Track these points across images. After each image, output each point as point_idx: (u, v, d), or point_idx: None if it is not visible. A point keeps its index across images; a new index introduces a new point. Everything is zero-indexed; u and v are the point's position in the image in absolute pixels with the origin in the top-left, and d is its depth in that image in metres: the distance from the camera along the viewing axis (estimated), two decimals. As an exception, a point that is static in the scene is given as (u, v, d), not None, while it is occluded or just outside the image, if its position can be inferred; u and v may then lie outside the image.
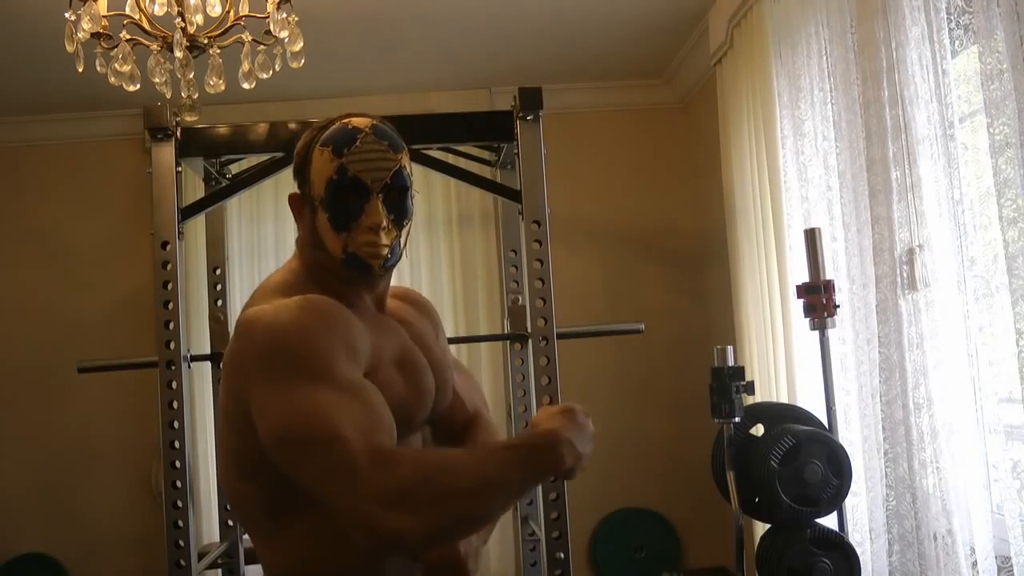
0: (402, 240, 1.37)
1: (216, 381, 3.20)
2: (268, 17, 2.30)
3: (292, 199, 1.40)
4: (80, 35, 2.19)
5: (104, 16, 2.23)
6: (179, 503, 2.60)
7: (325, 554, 1.25)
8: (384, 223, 1.32)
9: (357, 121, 1.36)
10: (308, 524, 1.25)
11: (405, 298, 1.54)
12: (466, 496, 1.14)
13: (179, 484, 2.60)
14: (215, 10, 2.29)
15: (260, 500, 1.27)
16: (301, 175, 1.37)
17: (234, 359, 1.24)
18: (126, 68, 2.26)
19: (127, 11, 2.29)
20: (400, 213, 1.35)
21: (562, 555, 2.63)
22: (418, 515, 1.09)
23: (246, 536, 3.20)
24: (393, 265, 1.36)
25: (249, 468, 1.26)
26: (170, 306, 2.64)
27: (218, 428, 1.32)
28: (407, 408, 1.32)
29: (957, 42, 2.06)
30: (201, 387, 3.76)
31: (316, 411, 1.14)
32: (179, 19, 2.21)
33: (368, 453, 1.11)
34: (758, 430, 2.24)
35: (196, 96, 2.35)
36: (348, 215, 1.32)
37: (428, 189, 4.05)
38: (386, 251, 1.33)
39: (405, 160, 1.37)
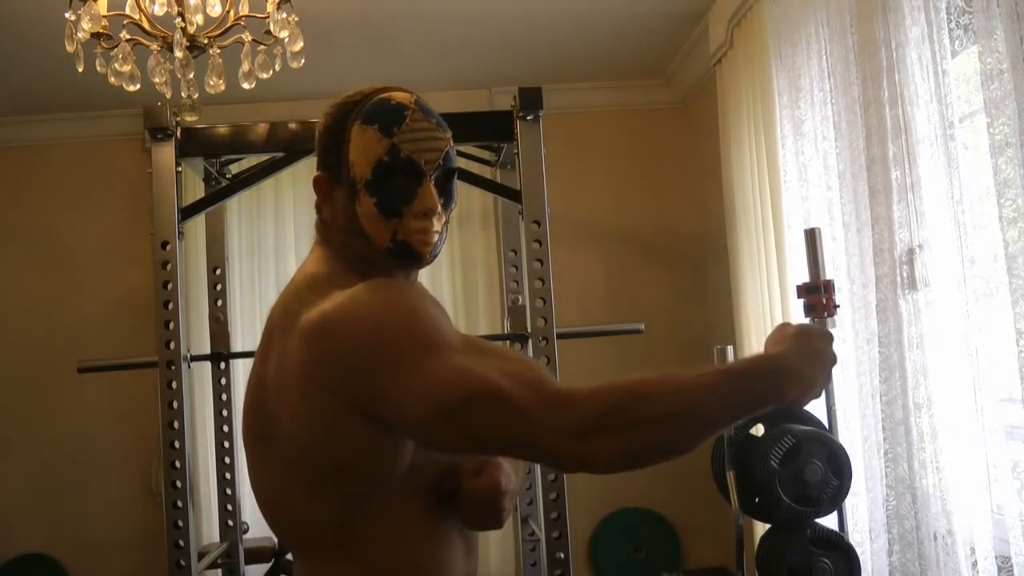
0: (447, 227, 1.27)
1: (216, 381, 3.20)
2: (268, 17, 2.31)
3: (319, 181, 1.25)
4: (80, 35, 2.19)
5: (104, 16, 2.23)
6: (179, 503, 2.60)
7: (398, 560, 1.19)
8: (437, 208, 1.21)
9: (399, 96, 1.24)
10: (381, 530, 1.17)
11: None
12: (660, 425, 1.06)
13: (179, 484, 2.59)
14: (215, 10, 2.29)
15: (330, 510, 1.17)
16: (333, 155, 1.24)
17: (328, 360, 1.11)
18: (126, 68, 2.26)
19: (127, 11, 2.29)
20: (448, 197, 1.25)
21: (562, 555, 2.63)
22: (606, 444, 1.05)
23: (246, 536, 3.22)
24: (438, 254, 1.26)
25: (328, 472, 1.15)
26: (170, 306, 2.64)
27: (275, 441, 1.18)
28: None
29: (957, 42, 2.05)
30: (201, 387, 3.77)
31: (465, 374, 1.07)
32: (179, 19, 2.21)
33: (537, 397, 1.06)
34: (758, 430, 2.24)
35: (196, 96, 2.36)
36: (399, 200, 1.19)
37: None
38: (436, 238, 1.23)
39: (450, 139, 1.26)
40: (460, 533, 1.26)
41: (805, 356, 1.14)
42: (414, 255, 1.22)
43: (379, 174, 1.20)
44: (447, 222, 1.26)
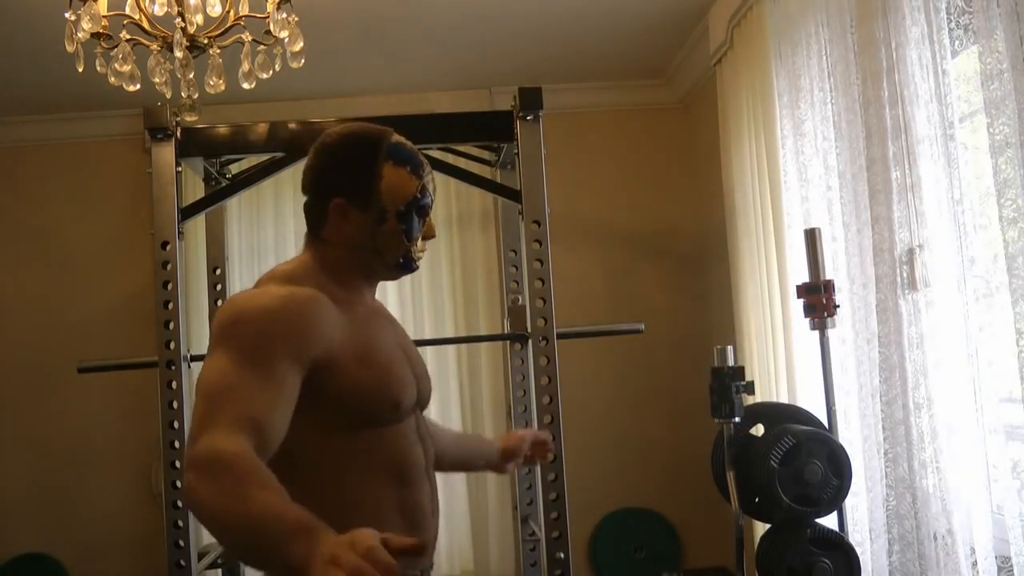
0: None
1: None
2: (268, 17, 2.30)
3: (338, 206, 1.46)
4: (80, 35, 2.19)
5: (104, 16, 2.23)
6: (179, 503, 2.60)
7: (328, 510, 1.24)
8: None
9: (404, 141, 1.52)
10: (308, 484, 1.31)
11: (381, 308, 1.67)
12: (220, 517, 1.10)
13: (179, 484, 2.59)
14: (215, 10, 2.29)
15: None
16: (362, 185, 1.46)
17: (213, 326, 1.37)
18: (126, 68, 2.26)
19: (127, 11, 2.29)
20: None
21: (562, 555, 2.63)
22: (197, 491, 1.13)
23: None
24: None
25: None
26: (170, 306, 2.64)
27: None
28: (389, 391, 1.42)
29: (957, 42, 2.05)
30: (201, 387, 3.76)
31: (228, 379, 1.25)
32: (179, 19, 2.21)
33: (222, 420, 1.20)
34: (758, 430, 2.24)
35: (196, 96, 2.35)
36: (417, 228, 1.50)
37: (428, 189, 4.04)
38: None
39: None
40: (401, 507, 1.41)
41: (343, 566, 0.97)
42: (413, 268, 1.54)
43: (410, 207, 1.48)
44: None
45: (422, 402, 1.56)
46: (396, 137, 1.51)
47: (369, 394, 1.39)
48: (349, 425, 1.39)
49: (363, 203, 1.46)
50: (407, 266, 1.52)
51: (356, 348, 1.40)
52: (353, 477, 1.39)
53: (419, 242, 1.52)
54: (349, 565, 0.95)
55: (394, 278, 1.57)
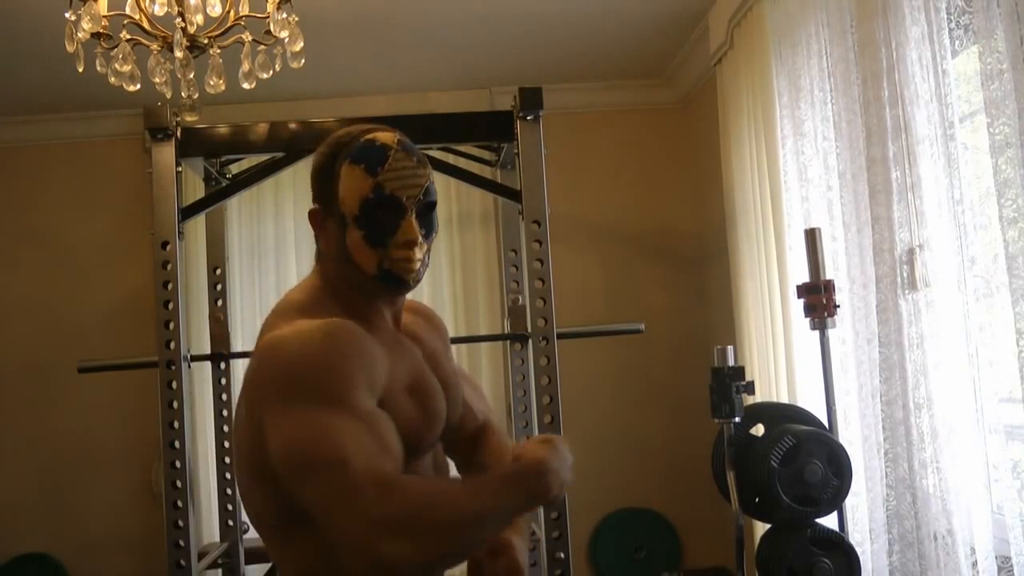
0: (429, 254, 1.38)
1: (217, 381, 3.21)
2: (268, 17, 2.31)
3: (313, 214, 1.37)
4: (80, 35, 2.19)
5: (104, 16, 2.23)
6: (179, 503, 2.60)
7: (332, 565, 1.22)
8: (419, 239, 1.32)
9: (383, 136, 1.35)
10: (315, 535, 1.23)
11: (416, 312, 1.54)
12: (461, 526, 1.17)
13: (179, 484, 2.59)
14: (215, 10, 2.29)
15: (269, 505, 1.28)
16: (325, 190, 1.35)
17: (254, 380, 1.25)
18: (126, 68, 2.26)
19: (127, 11, 2.29)
20: (429, 228, 1.36)
21: (562, 555, 2.63)
22: (415, 543, 1.11)
23: (246, 536, 3.22)
24: (421, 279, 1.36)
25: (259, 474, 1.26)
26: (170, 306, 2.64)
27: (235, 428, 1.34)
28: (417, 432, 1.32)
29: (957, 42, 2.06)
30: (201, 387, 3.76)
31: (325, 435, 1.15)
32: (179, 19, 2.21)
33: (371, 478, 1.12)
34: (758, 430, 2.24)
35: (196, 96, 2.36)
36: (384, 232, 1.31)
37: (428, 189, 4.04)
38: (419, 265, 1.34)
39: (431, 174, 1.38)
40: None
41: (559, 460, 1.25)
42: (398, 281, 1.33)
43: (365, 209, 1.31)
44: (429, 249, 1.37)
45: (446, 430, 1.43)
46: (374, 135, 1.35)
47: (414, 429, 1.30)
48: None
49: (328, 209, 1.35)
50: (387, 278, 1.32)
51: (402, 378, 1.31)
52: None
53: (395, 249, 1.31)
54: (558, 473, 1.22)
55: (390, 294, 1.36)
